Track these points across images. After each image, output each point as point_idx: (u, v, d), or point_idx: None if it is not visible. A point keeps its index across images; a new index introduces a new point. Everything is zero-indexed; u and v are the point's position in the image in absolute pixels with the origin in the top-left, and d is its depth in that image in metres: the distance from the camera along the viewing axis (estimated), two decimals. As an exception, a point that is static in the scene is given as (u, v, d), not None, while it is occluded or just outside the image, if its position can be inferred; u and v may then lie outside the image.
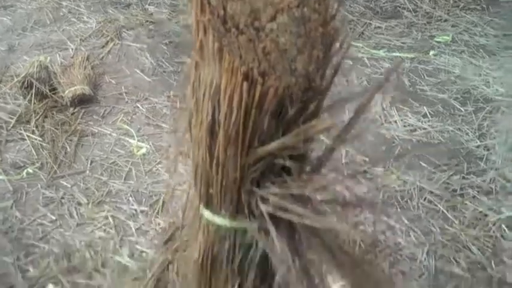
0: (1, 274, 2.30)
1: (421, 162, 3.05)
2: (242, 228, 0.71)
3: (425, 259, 2.50)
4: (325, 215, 0.67)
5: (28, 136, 3.02)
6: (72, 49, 3.84)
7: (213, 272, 0.75)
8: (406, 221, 2.69)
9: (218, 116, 0.65)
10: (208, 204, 0.72)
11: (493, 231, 2.65)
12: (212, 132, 0.68)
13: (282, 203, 0.62)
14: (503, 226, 2.65)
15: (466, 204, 2.81)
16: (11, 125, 3.07)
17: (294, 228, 0.69)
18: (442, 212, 2.75)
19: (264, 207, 0.64)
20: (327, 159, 0.71)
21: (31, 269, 2.33)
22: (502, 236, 2.62)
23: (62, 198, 2.68)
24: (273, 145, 0.64)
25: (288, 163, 0.65)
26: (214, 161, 0.68)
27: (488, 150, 3.13)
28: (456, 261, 2.51)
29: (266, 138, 0.65)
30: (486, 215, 2.74)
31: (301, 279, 0.67)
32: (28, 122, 3.11)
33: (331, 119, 0.67)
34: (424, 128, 3.30)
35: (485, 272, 2.48)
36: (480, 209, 2.78)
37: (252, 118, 0.63)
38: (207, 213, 0.73)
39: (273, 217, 0.66)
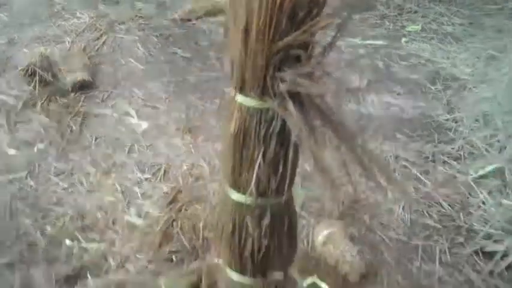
0: (22, 233, 2.55)
1: (396, 134, 3.36)
2: (266, 107, 0.99)
3: (401, 213, 2.80)
4: (322, 85, 0.95)
5: (36, 117, 3.26)
6: (68, 42, 4.10)
7: (244, 143, 1.03)
8: (383, 182, 2.98)
9: (251, 18, 0.92)
10: (241, 90, 0.99)
11: (462, 190, 2.96)
12: (246, 31, 0.95)
13: (295, 79, 0.89)
14: (471, 184, 2.96)
15: (437, 168, 3.12)
16: (19, 108, 3.32)
17: (304, 103, 0.97)
18: (416, 175, 3.06)
19: (282, 86, 0.92)
20: (328, 51, 0.98)
21: (49, 228, 2.58)
22: (469, 193, 2.94)
23: (72, 169, 2.93)
24: (288, 39, 0.92)
25: (299, 52, 0.93)
26: (248, 53, 0.95)
27: (456, 122, 3.46)
28: (429, 214, 2.82)
29: (284, 34, 0.92)
30: (455, 177, 3.06)
31: (309, 137, 0.95)
32: (34, 105, 3.36)
33: (330, 19, 0.96)
34: (398, 105, 3.62)
35: (454, 223, 2.79)
36: (450, 172, 3.10)
37: (275, 19, 0.91)
38: (240, 97, 1.00)
39: (290, 94, 0.94)
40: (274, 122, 1.01)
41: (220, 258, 1.23)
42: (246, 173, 1.07)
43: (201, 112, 3.40)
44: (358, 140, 1.04)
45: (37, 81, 3.45)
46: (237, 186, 1.09)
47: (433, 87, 3.74)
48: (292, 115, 0.95)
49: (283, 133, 1.02)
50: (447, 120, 3.48)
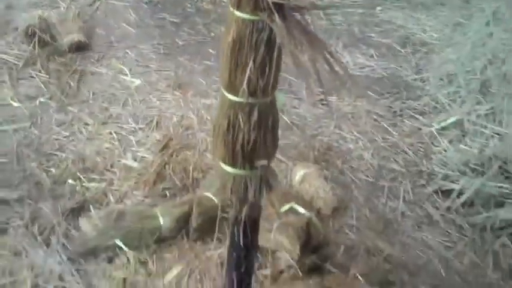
0: (29, 174, 2.81)
1: (369, 92, 3.66)
2: (258, 19, 1.27)
3: (370, 158, 3.11)
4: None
5: (36, 74, 3.51)
6: (63, 7, 4.32)
7: (239, 51, 1.30)
8: (355, 133, 3.30)
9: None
10: (238, 6, 1.27)
11: (425, 140, 3.28)
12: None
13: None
14: (434, 134, 3.27)
15: (404, 121, 3.43)
16: (20, 66, 3.56)
17: (286, 16, 1.25)
18: (385, 127, 3.37)
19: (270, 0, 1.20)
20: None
21: (53, 170, 2.85)
22: (432, 142, 3.26)
23: (72, 120, 3.19)
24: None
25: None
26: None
27: (423, 81, 3.77)
28: (395, 160, 3.13)
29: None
30: (420, 129, 3.37)
31: (290, 42, 1.23)
32: (34, 64, 3.60)
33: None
34: (371, 66, 3.92)
35: (417, 168, 3.10)
36: (416, 125, 3.41)
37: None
38: (237, 12, 1.28)
39: (276, 8, 1.22)
40: (263, 32, 1.30)
41: (216, 156, 1.50)
42: (239, 76, 1.35)
43: (189, 71, 3.66)
44: (328, 48, 1.32)
45: (36, 42, 3.68)
46: (232, 88, 1.37)
47: (403, 51, 4.03)
48: (277, 24, 1.24)
49: (270, 41, 1.31)
50: (415, 80, 3.77)
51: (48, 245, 2.41)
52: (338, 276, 2.24)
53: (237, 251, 1.62)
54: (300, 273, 2.22)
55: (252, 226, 1.56)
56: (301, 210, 2.41)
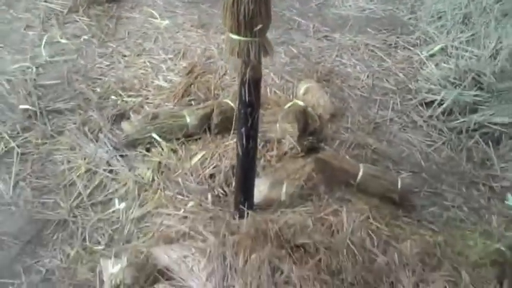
0: (78, 92, 3.34)
1: (368, 29, 4.14)
2: None
3: (365, 79, 3.60)
4: None
5: (80, 19, 4.05)
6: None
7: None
8: (354, 60, 3.79)
9: None
10: None
11: (415, 65, 3.75)
12: None
13: None
14: (423, 61, 3.74)
15: (397, 52, 3.90)
16: (65, 13, 4.11)
17: None
18: (380, 56, 3.85)
19: None
20: None
21: (98, 89, 3.38)
22: (420, 67, 3.72)
23: (111, 52, 3.72)
24: None
25: None
26: None
27: (416, 20, 4.23)
28: (387, 80, 3.61)
29: None
30: (411, 57, 3.84)
31: None
32: (77, 11, 4.13)
33: None
34: (371, 9, 4.39)
35: (406, 86, 3.58)
36: (408, 54, 3.88)
37: None
38: None
39: None
40: None
41: (226, 27, 1.99)
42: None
43: (211, 15, 4.18)
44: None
45: (78, -8, 4.21)
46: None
47: (400, -6, 4.48)
48: None
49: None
50: (409, 18, 4.24)
51: (97, 140, 2.93)
52: (330, 152, 2.75)
53: (244, 108, 2.13)
54: (300, 152, 2.72)
55: (255, 86, 2.06)
56: (301, 103, 2.91)
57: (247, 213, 2.22)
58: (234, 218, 2.33)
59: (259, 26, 1.87)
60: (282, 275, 2.01)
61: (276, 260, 2.04)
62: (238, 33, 1.91)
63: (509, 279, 2.36)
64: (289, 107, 2.85)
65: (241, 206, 2.25)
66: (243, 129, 2.14)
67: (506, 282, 2.31)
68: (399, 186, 2.61)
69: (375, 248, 2.18)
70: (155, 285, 2.19)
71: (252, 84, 2.03)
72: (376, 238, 2.22)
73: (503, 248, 2.38)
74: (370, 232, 2.24)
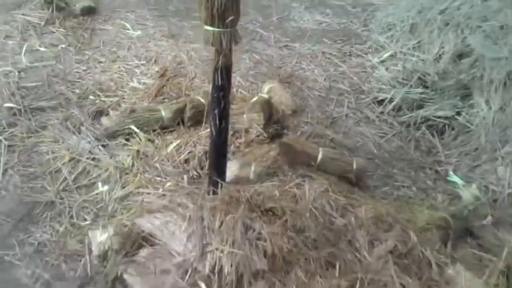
0: (59, 93, 3.58)
1: (324, 39, 4.52)
2: None
3: (323, 81, 3.95)
4: None
5: (56, 30, 4.31)
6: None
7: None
8: (312, 66, 4.15)
9: None
10: None
11: (368, 70, 4.13)
12: None
13: None
14: (375, 65, 4.12)
15: (352, 59, 4.27)
16: (43, 25, 4.37)
17: None
18: (336, 62, 4.22)
19: None
20: None
21: (77, 90, 3.64)
22: (373, 71, 4.09)
23: (88, 59, 3.99)
24: None
25: None
26: None
27: (369, 31, 4.62)
28: (342, 83, 3.97)
29: None
30: (364, 63, 4.21)
31: None
32: (53, 23, 4.39)
33: None
34: (327, 22, 4.78)
35: (360, 87, 3.94)
36: (361, 61, 4.25)
37: None
38: None
39: None
40: None
41: (202, 20, 2.29)
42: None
43: (180, 27, 4.50)
44: None
45: (54, 7, 4.49)
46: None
47: (354, 10, 4.89)
48: None
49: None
50: (362, 30, 4.63)
51: (79, 133, 3.19)
52: (293, 137, 3.07)
53: (217, 92, 2.42)
54: (266, 138, 3.04)
55: (226, 72, 2.36)
56: (265, 96, 3.23)
57: (221, 185, 2.50)
58: (209, 193, 2.61)
59: (231, 18, 2.19)
60: (254, 232, 2.29)
61: (248, 221, 2.32)
62: (212, 25, 2.22)
63: (452, 241, 2.69)
64: (254, 100, 3.16)
65: (215, 178, 2.52)
66: (216, 111, 2.43)
67: (450, 244, 2.64)
68: (354, 167, 2.93)
69: (334, 212, 2.49)
70: (140, 250, 2.44)
71: (224, 70, 2.33)
72: (334, 205, 2.53)
73: (447, 216, 2.71)
74: (330, 200, 2.54)
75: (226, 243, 2.24)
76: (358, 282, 2.29)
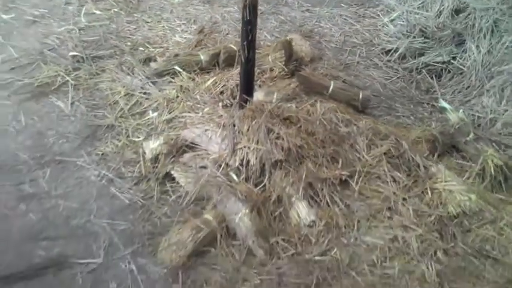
0: (114, 45, 4.26)
1: (342, 4, 5.09)
2: None
3: (339, 36, 4.53)
4: None
5: (108, -2, 4.99)
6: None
7: None
8: (330, 25, 4.73)
9: None
10: None
11: (378, 27, 4.69)
12: None
13: None
14: (385, 24, 4.68)
15: (365, 20, 4.82)
16: (96, -6, 5.05)
17: None
18: (351, 22, 4.79)
19: None
20: None
21: (129, 43, 4.30)
22: (382, 28, 4.67)
23: (137, 20, 4.63)
24: None
25: None
26: None
27: (381, -3, 5.18)
28: (356, 37, 4.54)
29: None
30: (375, 22, 4.78)
31: None
32: (105, -7, 5.08)
33: None
34: (345, -10, 5.35)
35: (371, 41, 4.51)
36: (373, 21, 4.82)
37: None
38: None
39: None
40: None
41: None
42: None
43: (215, -5, 5.13)
44: None
45: (106, -21, 5.15)
46: None
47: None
48: None
49: None
50: (375, -4, 5.18)
51: (132, 74, 3.83)
52: (309, 71, 3.67)
53: (245, 26, 3.01)
54: (287, 73, 3.64)
55: (253, 8, 2.97)
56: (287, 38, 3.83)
57: (249, 101, 3.12)
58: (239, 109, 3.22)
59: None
60: (274, 134, 2.90)
61: (269, 125, 2.93)
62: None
63: (439, 153, 3.25)
64: (277, 42, 3.77)
65: (244, 95, 3.14)
66: (244, 43, 3.04)
67: (436, 154, 3.21)
68: (360, 97, 3.52)
69: (340, 122, 3.09)
70: (184, 154, 3.07)
71: (251, 7, 2.93)
72: (340, 118, 3.13)
73: (435, 133, 3.28)
74: (337, 114, 3.14)
75: (252, 142, 2.85)
76: (356, 173, 2.88)
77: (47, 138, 3.22)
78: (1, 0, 4.59)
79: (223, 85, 3.57)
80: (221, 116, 3.08)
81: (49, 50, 4.01)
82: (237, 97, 3.33)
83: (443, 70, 3.97)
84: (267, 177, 2.76)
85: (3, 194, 2.81)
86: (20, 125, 3.29)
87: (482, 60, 3.75)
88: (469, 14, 3.99)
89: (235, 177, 2.80)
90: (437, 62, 3.99)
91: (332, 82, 3.45)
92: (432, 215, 2.73)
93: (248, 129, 2.89)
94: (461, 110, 3.50)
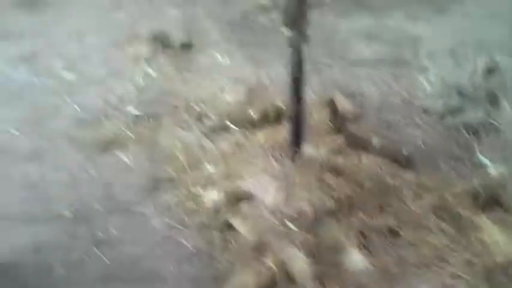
0: (170, 109, 4.57)
1: (378, 66, 5.37)
2: None
3: (378, 95, 4.78)
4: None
5: (162, 59, 5.35)
6: None
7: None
8: (369, 84, 4.99)
9: None
10: None
11: (415, 86, 4.93)
12: None
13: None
14: (421, 82, 4.92)
15: (402, 79, 5.10)
16: (151, 56, 5.41)
17: None
18: (388, 82, 5.05)
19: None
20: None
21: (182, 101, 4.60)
22: (420, 87, 4.90)
23: (189, 80, 4.98)
24: None
25: None
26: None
27: (417, 58, 5.45)
28: (394, 96, 4.79)
29: None
30: (414, 82, 5.02)
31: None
32: (159, 54, 5.44)
33: None
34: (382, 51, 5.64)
35: (410, 102, 4.75)
36: (410, 80, 5.06)
37: None
38: None
39: None
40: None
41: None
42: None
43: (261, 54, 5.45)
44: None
45: (159, 43, 5.52)
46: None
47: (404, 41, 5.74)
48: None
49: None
50: (411, 58, 5.45)
51: (188, 129, 4.11)
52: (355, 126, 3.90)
53: (293, 83, 3.30)
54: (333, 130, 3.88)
55: (300, 67, 3.24)
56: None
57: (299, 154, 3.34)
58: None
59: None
60: (324, 184, 3.12)
61: (320, 176, 3.15)
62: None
63: (482, 206, 3.40)
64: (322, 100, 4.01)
65: (294, 149, 3.36)
66: (293, 100, 3.30)
67: (479, 208, 3.36)
68: (404, 153, 3.72)
69: (386, 175, 3.28)
70: (242, 204, 3.29)
71: (298, 65, 3.20)
72: (386, 171, 3.32)
73: (477, 187, 3.44)
74: (382, 168, 3.34)
75: (305, 192, 3.07)
76: (405, 223, 3.06)
77: (115, 189, 3.45)
78: (65, 61, 4.95)
79: (274, 140, 3.80)
80: (274, 168, 3.28)
81: (110, 107, 4.29)
82: (288, 151, 3.55)
83: (481, 127, 4.15)
84: (320, 225, 2.95)
85: (80, 240, 3.03)
86: (89, 176, 3.54)
87: (517, 118, 3.94)
88: (501, 73, 4.20)
89: (291, 225, 2.99)
90: (474, 120, 4.17)
91: (376, 138, 3.65)
92: (480, 264, 2.86)
93: (300, 180, 3.09)
94: (500, 165, 3.66)
